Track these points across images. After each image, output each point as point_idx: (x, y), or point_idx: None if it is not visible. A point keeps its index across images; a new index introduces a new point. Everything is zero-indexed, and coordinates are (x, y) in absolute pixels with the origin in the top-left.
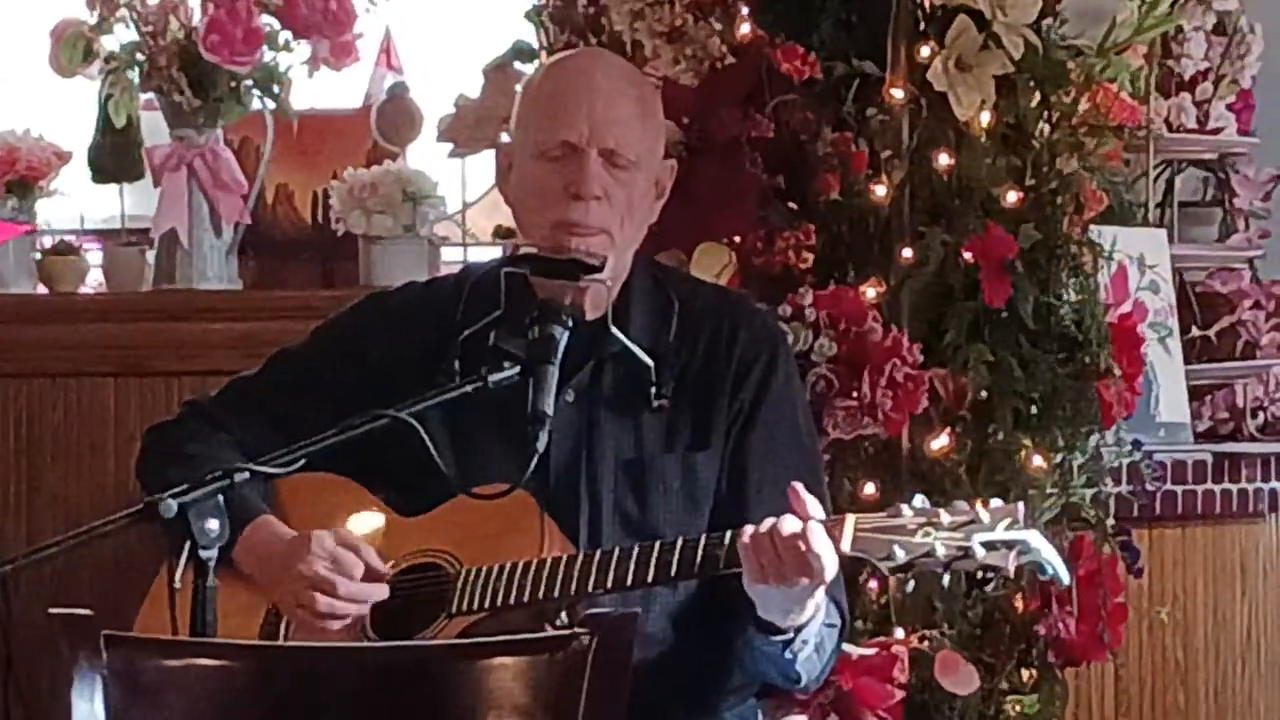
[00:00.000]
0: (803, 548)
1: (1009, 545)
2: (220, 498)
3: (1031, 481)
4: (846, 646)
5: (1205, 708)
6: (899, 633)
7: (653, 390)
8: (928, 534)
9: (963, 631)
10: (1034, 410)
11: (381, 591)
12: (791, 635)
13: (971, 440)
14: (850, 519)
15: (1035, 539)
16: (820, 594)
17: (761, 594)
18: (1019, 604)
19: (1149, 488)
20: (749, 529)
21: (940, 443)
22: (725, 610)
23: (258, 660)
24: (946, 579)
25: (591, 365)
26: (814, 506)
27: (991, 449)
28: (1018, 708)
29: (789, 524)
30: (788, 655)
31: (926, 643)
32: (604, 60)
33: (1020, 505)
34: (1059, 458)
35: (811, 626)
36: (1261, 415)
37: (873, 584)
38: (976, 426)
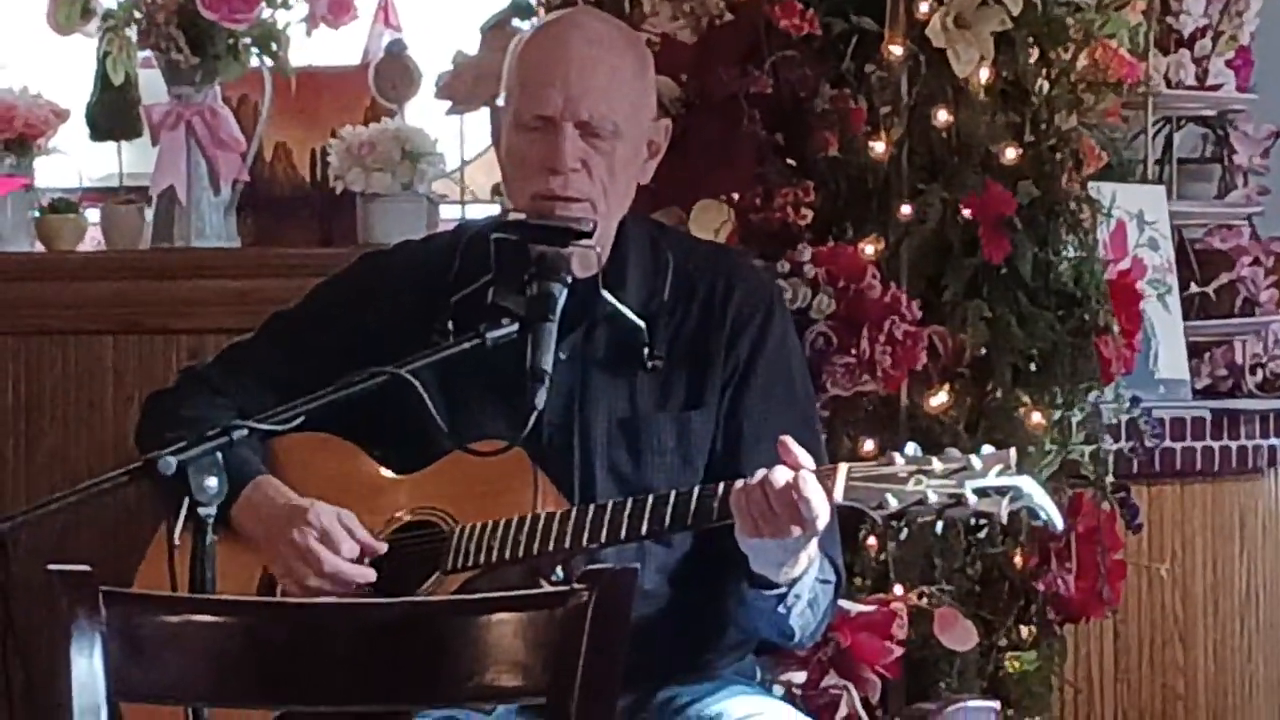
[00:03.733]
0: (795, 497)
1: (1001, 491)
2: (219, 455)
3: (1030, 438)
4: (845, 603)
5: (1204, 664)
6: (898, 589)
7: (645, 351)
8: (920, 481)
9: (962, 588)
10: (1033, 367)
11: (367, 575)
12: (785, 590)
13: (970, 397)
14: (843, 468)
15: (1027, 485)
16: (813, 547)
17: (754, 547)
18: (1018, 560)
19: (1148, 444)
20: (741, 481)
21: (939, 399)
22: (719, 566)
23: (256, 617)
24: (940, 527)
25: (585, 326)
26: (804, 458)
27: (990, 406)
28: (1017, 664)
29: (781, 474)
30: (780, 610)
31: (925, 599)
32: (586, 25)
33: (1011, 451)
34: (1058, 414)
35: (805, 581)
36: (1260, 372)
37: (871, 540)
38: (975, 383)
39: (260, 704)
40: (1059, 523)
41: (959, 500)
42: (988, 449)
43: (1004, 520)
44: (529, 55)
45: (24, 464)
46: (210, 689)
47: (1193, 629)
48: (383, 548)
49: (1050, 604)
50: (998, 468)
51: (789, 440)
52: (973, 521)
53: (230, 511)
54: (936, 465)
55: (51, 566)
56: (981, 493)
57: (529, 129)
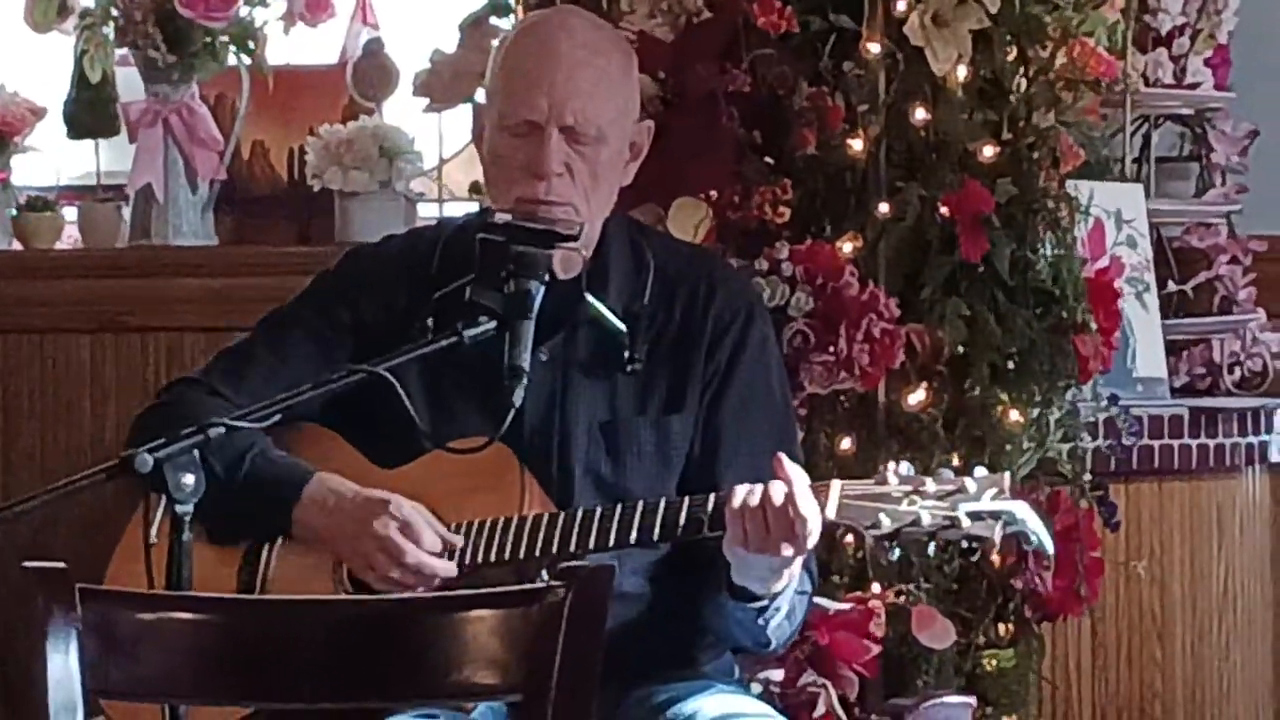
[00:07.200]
0: (791, 514)
1: (995, 516)
2: (197, 453)
3: (1008, 436)
4: (823, 601)
5: (1182, 662)
6: (875, 587)
7: (625, 354)
8: (913, 502)
9: (939, 586)
10: (1011, 365)
11: (449, 569)
12: (766, 603)
13: (948, 395)
14: (836, 485)
15: (1021, 509)
16: (796, 564)
17: (741, 559)
18: (996, 559)
19: (1126, 442)
20: (740, 491)
21: (917, 397)
22: (698, 569)
23: (233, 614)
24: (931, 548)
25: (567, 328)
26: (798, 474)
27: (968, 404)
28: (994, 662)
29: (778, 490)
30: (760, 622)
31: (903, 597)
32: (570, 26)
33: (1006, 475)
34: (1035, 412)
35: (785, 594)
36: (1238, 370)
37: (849, 538)
38: (953, 381)
39: (236, 701)
40: (1050, 548)
41: (953, 523)
42: (981, 471)
43: (997, 544)
44: (514, 57)
45: (1, 462)
46: (186, 686)
47: (1170, 626)
48: (459, 541)
49: (1028, 602)
50: (992, 491)
51: (784, 457)
52: (965, 544)
53: (293, 514)
54: (930, 486)
55: (27, 564)
56: (975, 516)
57: (513, 133)
